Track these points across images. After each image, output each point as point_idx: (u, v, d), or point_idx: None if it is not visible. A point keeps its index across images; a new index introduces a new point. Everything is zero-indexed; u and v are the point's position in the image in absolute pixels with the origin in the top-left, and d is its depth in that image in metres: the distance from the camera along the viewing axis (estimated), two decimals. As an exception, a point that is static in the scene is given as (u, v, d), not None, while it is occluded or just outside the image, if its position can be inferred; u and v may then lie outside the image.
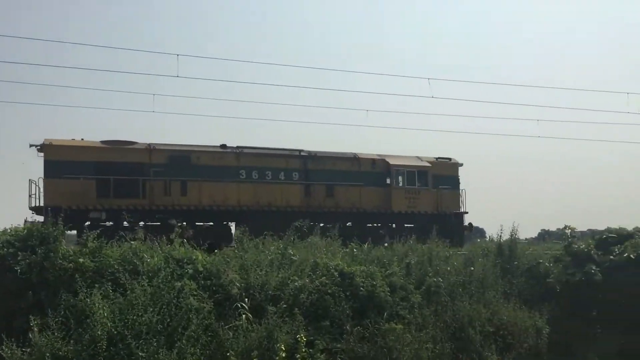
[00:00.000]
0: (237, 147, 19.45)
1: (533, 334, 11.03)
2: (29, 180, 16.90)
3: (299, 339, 8.65)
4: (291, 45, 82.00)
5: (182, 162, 18.35)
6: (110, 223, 16.18)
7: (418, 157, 21.76)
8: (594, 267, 11.76)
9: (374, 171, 20.94)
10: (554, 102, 43.69)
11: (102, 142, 18.01)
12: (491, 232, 25.18)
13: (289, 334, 8.88)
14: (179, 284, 9.02)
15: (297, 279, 10.21)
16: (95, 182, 17.10)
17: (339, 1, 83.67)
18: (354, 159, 20.74)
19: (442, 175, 21.67)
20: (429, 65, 72.82)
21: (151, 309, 8.34)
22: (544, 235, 39.08)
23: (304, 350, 8.68)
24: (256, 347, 8.56)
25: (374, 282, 10.46)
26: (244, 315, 9.09)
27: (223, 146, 19.48)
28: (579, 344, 11.10)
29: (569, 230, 12.69)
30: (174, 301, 8.65)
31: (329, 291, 10.10)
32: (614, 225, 14.21)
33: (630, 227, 13.93)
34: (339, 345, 9.44)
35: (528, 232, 38.83)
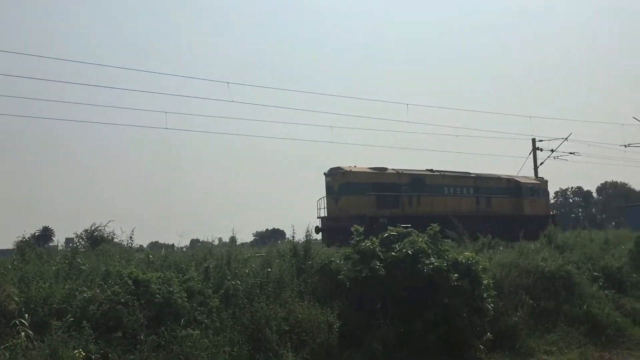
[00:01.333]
0: (440, 171, 28.67)
1: (325, 329, 11.56)
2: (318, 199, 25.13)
3: (77, 354, 8.09)
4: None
5: (418, 182, 27.04)
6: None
7: (526, 176, 33.53)
8: (378, 263, 12.66)
9: (509, 187, 31.37)
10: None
11: (370, 168, 25.84)
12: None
13: (77, 349, 8.27)
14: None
15: (86, 289, 9.56)
16: (375, 197, 24.97)
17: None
18: (499, 178, 31.43)
19: (542, 189, 33.66)
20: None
21: None
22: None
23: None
24: (38, 366, 7.83)
25: (171, 289, 10.21)
26: (22, 333, 8.25)
27: (430, 170, 28.23)
28: (365, 335, 11.92)
29: (356, 230, 13.55)
30: None
31: (122, 300, 9.62)
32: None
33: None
34: (132, 357, 9.04)
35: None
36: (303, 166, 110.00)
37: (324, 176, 25.57)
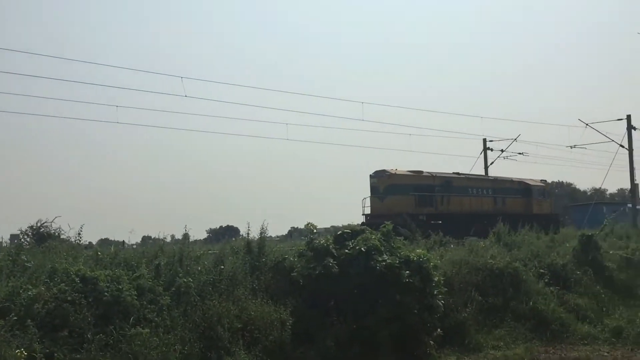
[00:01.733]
0: (465, 174, 33.39)
1: (278, 327, 11.56)
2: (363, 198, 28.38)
3: (19, 353, 7.84)
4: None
5: (448, 184, 30.40)
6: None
7: (533, 179, 36.76)
8: (331, 261, 12.73)
9: (520, 188, 35.21)
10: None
11: (409, 171, 29.49)
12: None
13: (19, 348, 8.00)
14: None
15: (30, 287, 9.26)
16: (414, 197, 28.18)
17: None
18: (512, 181, 35.42)
19: (547, 191, 38.31)
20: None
21: None
22: (293, 232, 41.61)
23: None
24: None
25: (120, 286, 9.98)
26: (-39, 334, 7.93)
27: (457, 173, 32.26)
28: (318, 332, 11.96)
29: (310, 226, 13.57)
30: None
31: (69, 299, 9.36)
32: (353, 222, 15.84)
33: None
34: (78, 356, 8.80)
35: (279, 230, 40.95)
36: (258, 163, 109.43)
37: (369, 178, 29.21)
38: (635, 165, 41.74)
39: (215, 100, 35.51)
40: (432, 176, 30.13)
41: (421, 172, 29.93)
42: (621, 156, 41.62)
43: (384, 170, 29.12)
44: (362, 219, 28.16)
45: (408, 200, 28.18)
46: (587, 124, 41.00)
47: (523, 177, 36.81)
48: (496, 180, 35.04)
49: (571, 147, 43.76)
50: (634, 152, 41.94)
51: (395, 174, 28.86)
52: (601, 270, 20.25)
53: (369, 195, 28.70)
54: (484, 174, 35.90)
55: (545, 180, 38.97)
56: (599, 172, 78.22)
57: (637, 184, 43.02)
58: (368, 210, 28.61)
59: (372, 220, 26.96)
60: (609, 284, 19.85)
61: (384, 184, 28.60)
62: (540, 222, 28.53)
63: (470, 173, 34.94)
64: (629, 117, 42.18)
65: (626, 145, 41.81)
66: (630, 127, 42.10)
